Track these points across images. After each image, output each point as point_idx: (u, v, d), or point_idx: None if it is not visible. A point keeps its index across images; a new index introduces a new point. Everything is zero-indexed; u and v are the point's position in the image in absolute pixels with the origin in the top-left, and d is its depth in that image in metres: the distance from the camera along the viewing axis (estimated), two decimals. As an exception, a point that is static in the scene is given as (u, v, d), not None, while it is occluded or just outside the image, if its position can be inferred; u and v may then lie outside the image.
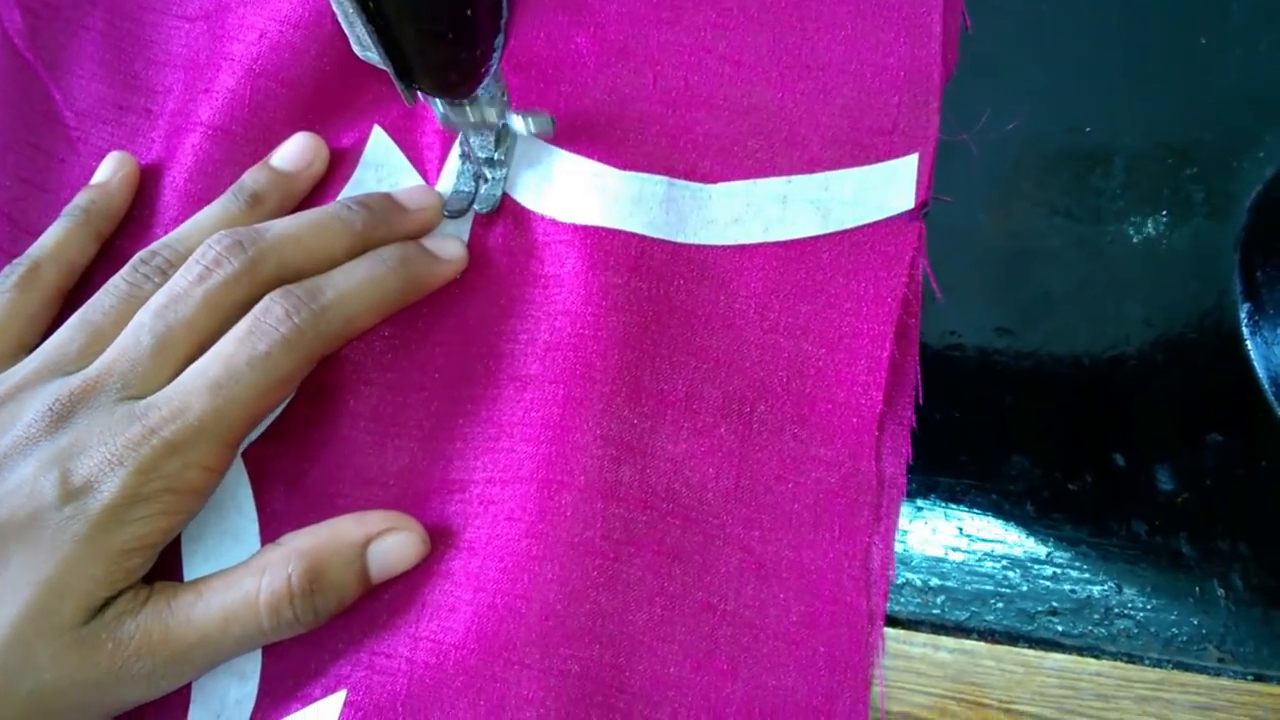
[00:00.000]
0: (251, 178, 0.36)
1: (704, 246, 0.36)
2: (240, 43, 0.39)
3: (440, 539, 0.33)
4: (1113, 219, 0.37)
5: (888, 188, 0.37)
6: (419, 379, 0.36)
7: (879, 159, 0.37)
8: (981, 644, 0.33)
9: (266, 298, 0.32)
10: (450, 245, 0.36)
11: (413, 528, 0.32)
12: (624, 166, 0.37)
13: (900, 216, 0.36)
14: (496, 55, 0.29)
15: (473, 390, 0.35)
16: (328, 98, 0.39)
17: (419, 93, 0.32)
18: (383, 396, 0.35)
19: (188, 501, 0.31)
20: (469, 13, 0.27)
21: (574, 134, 0.38)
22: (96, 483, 0.29)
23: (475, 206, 0.37)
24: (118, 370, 0.31)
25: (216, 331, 0.32)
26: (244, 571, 0.31)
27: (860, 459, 0.34)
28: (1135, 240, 0.37)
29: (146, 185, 0.39)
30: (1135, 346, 0.36)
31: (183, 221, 0.37)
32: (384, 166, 0.39)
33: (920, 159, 0.37)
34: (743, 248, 0.36)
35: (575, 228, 0.36)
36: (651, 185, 0.37)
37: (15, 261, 0.35)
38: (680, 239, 0.36)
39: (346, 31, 0.30)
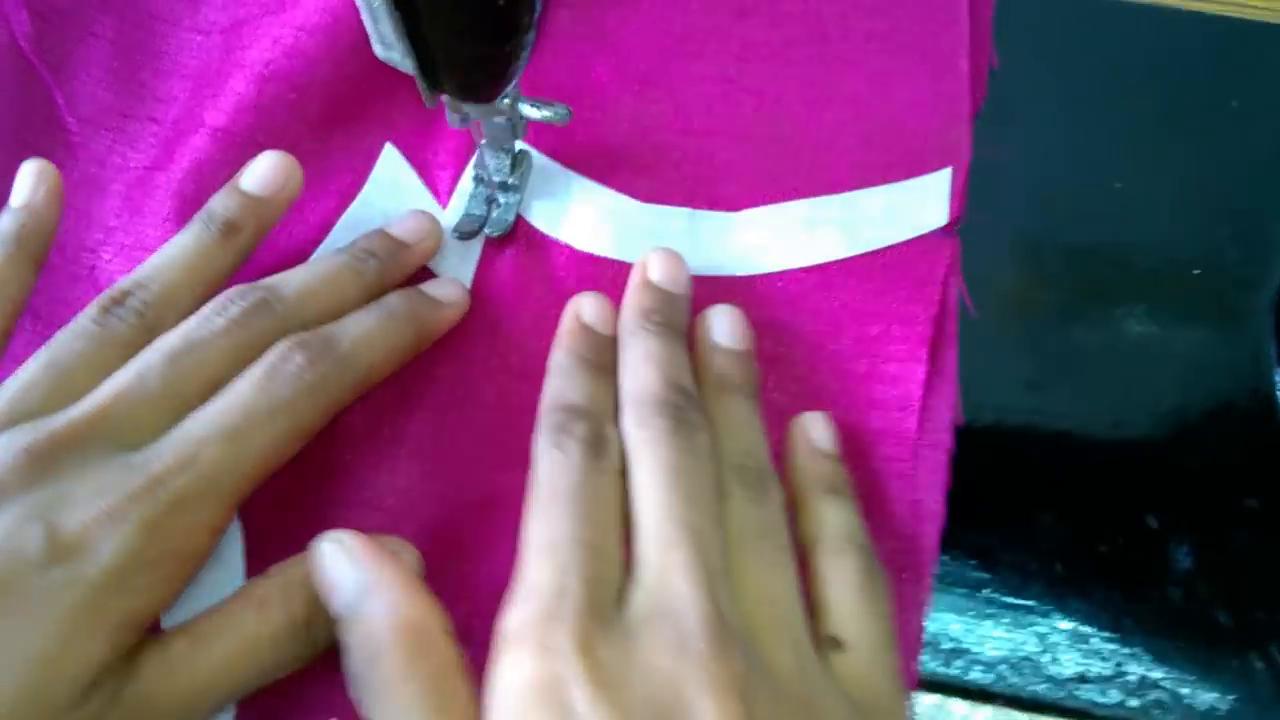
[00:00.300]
0: (221, 204, 0.33)
1: (729, 278, 0.35)
2: (254, 49, 0.38)
3: (441, 552, 0.31)
4: (1144, 276, 0.36)
5: (919, 204, 0.36)
6: (420, 401, 0.34)
7: (908, 177, 0.36)
8: (1010, 710, 0.31)
9: (280, 345, 0.30)
10: (450, 289, 0.35)
11: (404, 549, 0.30)
12: (644, 198, 0.37)
13: (933, 234, 0.35)
14: (524, 55, 0.28)
15: (478, 415, 0.34)
16: (340, 106, 0.38)
17: (442, 99, 0.30)
18: (381, 417, 0.33)
19: (188, 567, 0.28)
20: (500, 2, 0.25)
21: (592, 161, 0.37)
22: (92, 541, 0.26)
23: (486, 230, 0.36)
24: (114, 414, 0.28)
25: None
26: (237, 608, 0.28)
27: (894, 489, 0.32)
28: (1167, 299, 0.36)
29: (139, 185, 0.38)
30: (1168, 407, 0.35)
31: (172, 220, 0.35)
32: (394, 184, 0.37)
33: (954, 173, 0.36)
34: (766, 276, 0.35)
35: (592, 259, 0.35)
36: (671, 218, 0.36)
37: None
38: (703, 271, 0.35)
39: (369, 29, 0.29)
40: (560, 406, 0.30)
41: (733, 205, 0.36)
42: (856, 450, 0.33)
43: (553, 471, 0.28)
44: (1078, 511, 0.34)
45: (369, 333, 0.31)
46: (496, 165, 0.35)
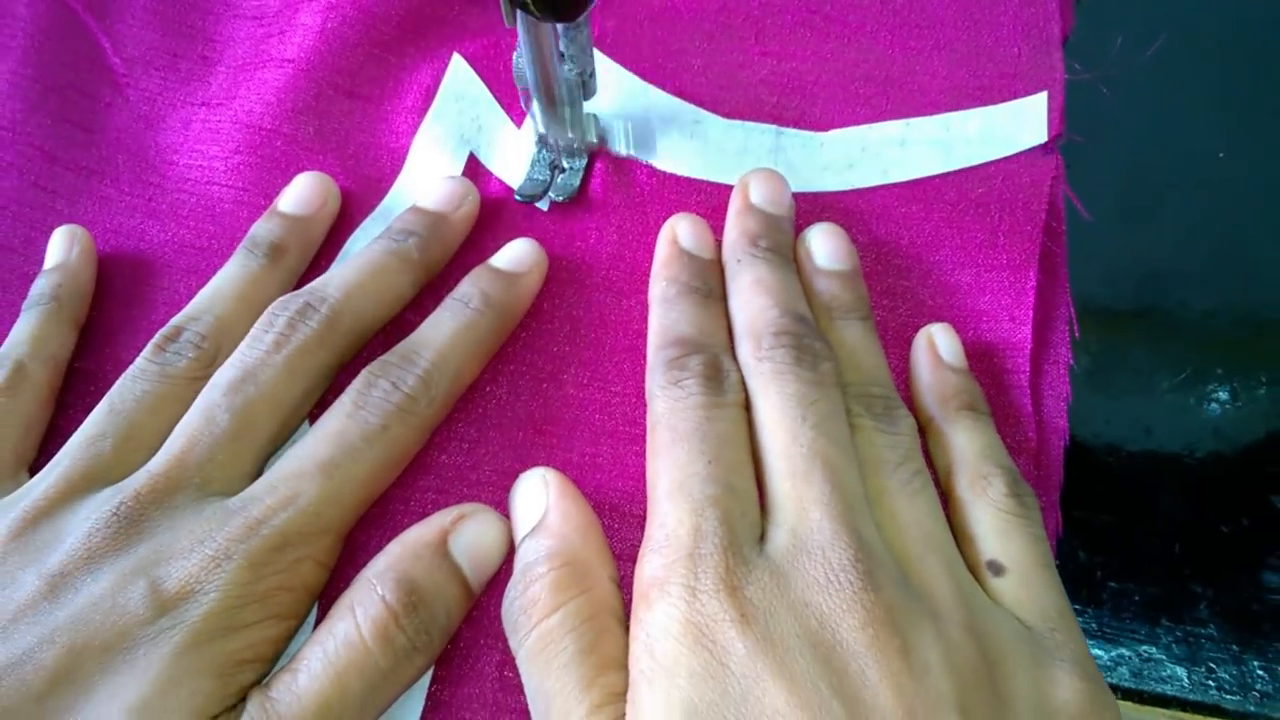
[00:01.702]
0: (264, 228, 0.33)
1: (818, 194, 0.34)
2: None
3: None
4: (1250, 245, 0.34)
5: (1016, 124, 0.35)
6: (506, 350, 0.32)
7: (1003, 99, 0.35)
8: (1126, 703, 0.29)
9: (365, 372, 0.29)
10: (522, 253, 0.33)
11: (484, 509, 0.29)
12: (728, 114, 0.35)
13: (1034, 150, 0.34)
14: None
15: (578, 350, 0.32)
16: (404, 25, 0.37)
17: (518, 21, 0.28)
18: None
19: (301, 603, 0.27)
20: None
21: (669, 77, 0.36)
22: (198, 585, 0.25)
23: (551, 194, 0.34)
24: (192, 461, 0.27)
25: (300, 403, 0.29)
26: (331, 621, 0.26)
27: (1014, 405, 0.31)
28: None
29: (200, 121, 0.36)
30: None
31: (243, 153, 0.34)
32: (465, 98, 0.36)
33: (1050, 96, 0.35)
34: (859, 191, 0.34)
35: (676, 179, 0.34)
36: (758, 135, 0.35)
37: None
38: (792, 188, 0.34)
39: None
40: (671, 341, 0.29)
41: (820, 125, 0.35)
42: (970, 367, 0.31)
43: (672, 411, 0.27)
44: (1197, 492, 0.31)
45: (449, 338, 0.30)
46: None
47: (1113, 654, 0.29)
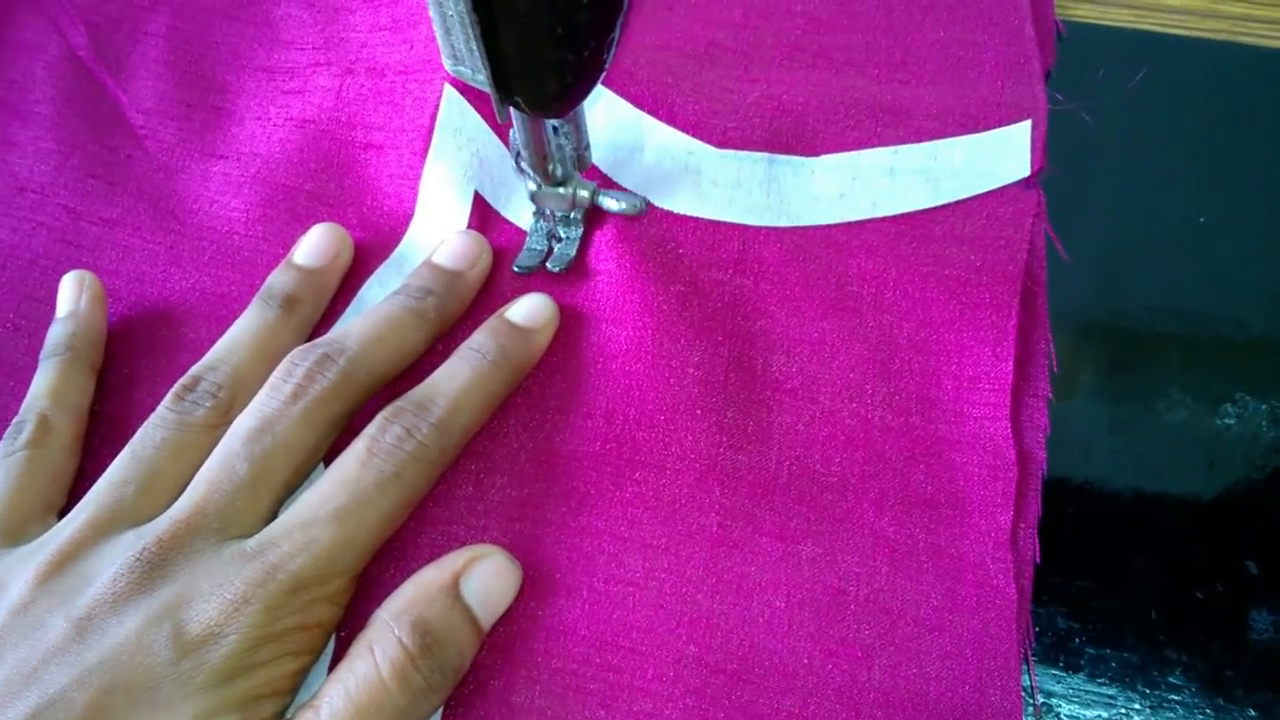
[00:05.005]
0: (279, 280, 0.34)
1: (810, 228, 0.35)
2: (338, 50, 0.39)
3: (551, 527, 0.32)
4: (1222, 304, 0.35)
5: (1000, 155, 0.36)
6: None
7: (988, 127, 0.37)
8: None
9: (379, 418, 0.30)
10: (537, 308, 0.34)
11: (494, 552, 0.30)
12: (720, 144, 0.37)
13: (1015, 185, 0.35)
14: (606, 61, 0.27)
15: (579, 382, 0.34)
16: (409, 68, 0.39)
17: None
18: None
19: (316, 639, 0.28)
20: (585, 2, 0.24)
21: (660, 103, 0.37)
22: (219, 629, 0.26)
23: (549, 265, 0.35)
24: (212, 508, 0.28)
25: (314, 451, 0.30)
26: (351, 660, 0.27)
27: (995, 436, 0.32)
28: (1261, 333, 0.35)
29: (221, 177, 0.38)
30: (1266, 445, 0.33)
31: (264, 205, 0.36)
32: (462, 132, 0.37)
33: (1033, 125, 0.36)
34: (850, 225, 0.35)
35: (674, 218, 0.36)
36: (751, 165, 0.36)
37: (18, 419, 0.32)
38: (784, 222, 0.35)
39: (440, 41, 0.28)
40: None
41: (811, 149, 0.37)
42: (953, 400, 0.33)
43: None
44: (1173, 556, 0.31)
45: (463, 388, 0.31)
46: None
47: (1089, 719, 0.30)
